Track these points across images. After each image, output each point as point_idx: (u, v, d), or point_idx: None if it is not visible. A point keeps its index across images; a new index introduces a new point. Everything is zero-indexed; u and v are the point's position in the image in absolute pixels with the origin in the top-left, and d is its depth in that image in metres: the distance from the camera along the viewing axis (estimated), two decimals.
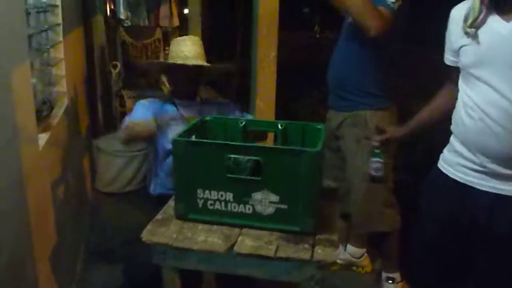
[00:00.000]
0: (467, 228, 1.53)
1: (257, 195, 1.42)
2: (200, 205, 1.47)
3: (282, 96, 3.95)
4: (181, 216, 1.50)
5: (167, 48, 5.32)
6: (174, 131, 1.77)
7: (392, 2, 2.03)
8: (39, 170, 1.69)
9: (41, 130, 1.88)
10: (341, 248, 2.61)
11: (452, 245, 1.61)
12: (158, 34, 5.31)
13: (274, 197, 1.41)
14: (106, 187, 3.44)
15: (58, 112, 2.22)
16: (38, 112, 1.88)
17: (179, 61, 2.03)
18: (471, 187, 1.50)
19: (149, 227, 1.48)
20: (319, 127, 1.62)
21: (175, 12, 7.12)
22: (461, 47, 1.49)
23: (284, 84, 3.96)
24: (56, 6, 2.34)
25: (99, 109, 4.63)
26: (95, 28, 4.58)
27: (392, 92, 2.36)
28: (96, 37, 4.60)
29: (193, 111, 2.12)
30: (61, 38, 2.38)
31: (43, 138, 1.84)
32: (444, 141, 1.63)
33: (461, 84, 1.54)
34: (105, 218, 3.17)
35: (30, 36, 1.93)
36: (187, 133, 1.56)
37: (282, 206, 1.42)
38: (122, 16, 6.34)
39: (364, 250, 2.59)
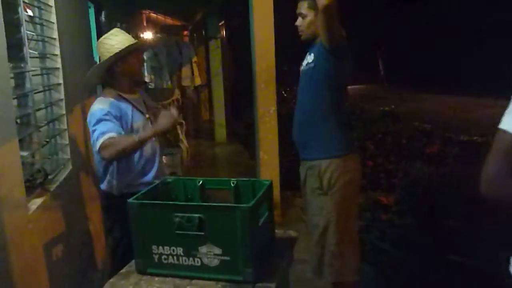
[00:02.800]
0: None
1: (202, 249, 1.58)
2: (156, 260, 1.64)
3: None
4: (141, 271, 1.67)
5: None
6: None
7: None
8: (28, 232, 1.92)
9: (35, 195, 2.14)
10: None
11: None
12: (177, 94, 5.66)
13: (218, 250, 1.56)
14: None
15: (59, 178, 2.49)
16: (32, 180, 2.14)
17: (113, 53, 2.22)
18: None
19: (112, 280, 1.65)
20: (266, 182, 1.77)
21: (196, 72, 7.61)
22: None
23: None
24: (59, 84, 2.67)
25: None
26: None
27: (350, 140, 2.38)
28: None
29: (139, 101, 2.43)
30: (64, 112, 2.68)
31: (36, 202, 2.09)
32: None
33: None
34: None
35: (28, 115, 2.24)
36: (148, 194, 1.75)
37: (226, 258, 1.56)
38: (147, 80, 6.86)
39: None
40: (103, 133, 2.15)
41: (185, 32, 11.00)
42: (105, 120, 2.18)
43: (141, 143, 2.21)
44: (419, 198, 3.59)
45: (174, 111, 2.30)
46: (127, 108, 2.32)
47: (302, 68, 2.38)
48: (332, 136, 2.27)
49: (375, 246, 3.23)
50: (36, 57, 2.46)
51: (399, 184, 3.91)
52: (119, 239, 2.26)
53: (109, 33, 2.33)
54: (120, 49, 2.23)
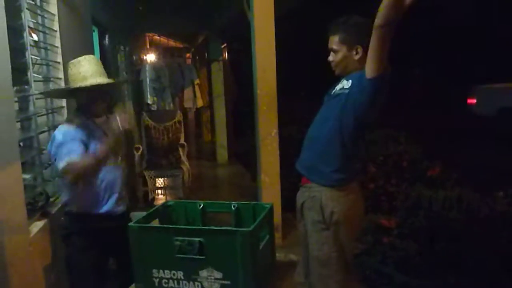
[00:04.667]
0: None
1: (203, 273, 1.57)
2: (156, 284, 1.63)
3: None
4: None
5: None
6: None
7: None
8: (29, 253, 1.92)
9: (37, 218, 2.15)
10: None
11: None
12: (179, 116, 5.69)
13: (218, 274, 1.56)
14: None
15: (61, 200, 2.49)
16: (34, 202, 2.15)
17: (78, 84, 2.07)
18: None
19: None
20: (267, 206, 1.78)
21: (198, 94, 7.68)
22: None
23: None
24: (62, 107, 2.70)
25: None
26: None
27: (356, 171, 2.25)
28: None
29: (109, 124, 2.24)
30: None
31: (38, 225, 2.10)
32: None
33: None
34: None
35: (31, 138, 2.27)
36: (148, 218, 1.76)
37: (226, 282, 1.56)
38: (149, 101, 6.92)
39: None
40: (66, 155, 2.00)
41: (188, 55, 11.12)
42: (67, 143, 2.04)
43: (98, 161, 2.03)
44: (420, 221, 3.57)
45: (120, 120, 2.23)
46: (96, 130, 2.17)
47: (334, 91, 2.24)
48: (341, 165, 2.14)
49: (377, 269, 3.21)
50: (40, 81, 2.49)
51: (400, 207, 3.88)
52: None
53: (83, 59, 2.15)
54: (83, 86, 2.08)
